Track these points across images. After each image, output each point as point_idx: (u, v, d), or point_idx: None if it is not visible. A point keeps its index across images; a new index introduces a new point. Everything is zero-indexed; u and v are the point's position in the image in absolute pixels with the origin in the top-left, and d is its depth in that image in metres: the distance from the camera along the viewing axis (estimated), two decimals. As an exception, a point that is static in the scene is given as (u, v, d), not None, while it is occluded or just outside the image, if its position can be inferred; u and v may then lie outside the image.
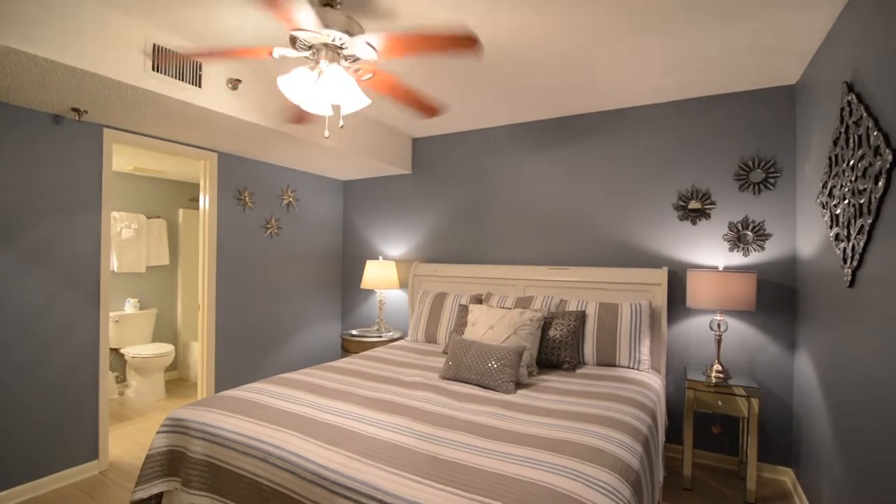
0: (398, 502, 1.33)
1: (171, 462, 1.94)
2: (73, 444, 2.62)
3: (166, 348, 4.16)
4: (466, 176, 3.86)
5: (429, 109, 2.09)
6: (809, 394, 2.35)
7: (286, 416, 1.87)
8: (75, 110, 2.44)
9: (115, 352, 4.26)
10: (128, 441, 3.18)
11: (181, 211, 4.79)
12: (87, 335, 2.68)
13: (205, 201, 3.37)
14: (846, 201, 1.78)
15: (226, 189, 3.48)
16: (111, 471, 2.74)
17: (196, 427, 1.89)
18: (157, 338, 4.65)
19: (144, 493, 1.92)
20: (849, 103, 1.75)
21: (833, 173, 1.95)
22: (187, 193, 4.92)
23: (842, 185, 1.83)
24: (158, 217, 4.63)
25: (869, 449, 1.56)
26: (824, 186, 2.07)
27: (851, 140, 1.73)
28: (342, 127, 2.33)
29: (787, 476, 2.73)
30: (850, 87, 1.77)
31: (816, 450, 2.20)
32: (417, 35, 1.58)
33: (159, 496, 2.01)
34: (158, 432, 1.99)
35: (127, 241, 4.28)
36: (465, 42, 1.62)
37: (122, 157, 3.75)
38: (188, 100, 2.31)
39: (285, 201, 3.96)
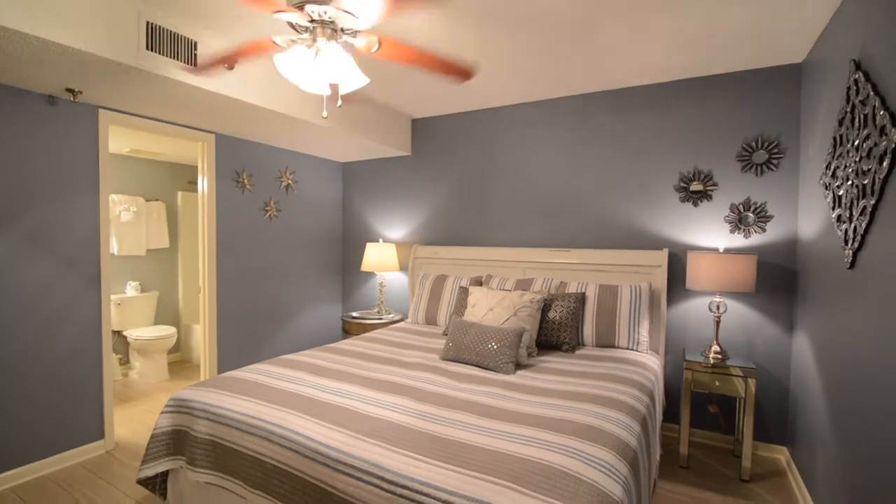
0: (399, 479, 1.35)
1: (175, 441, 1.97)
2: (78, 424, 2.66)
3: (168, 331, 4.19)
4: (466, 157, 3.82)
5: (460, 72, 1.97)
6: (806, 374, 2.38)
7: (288, 397, 1.90)
8: (70, 91, 2.40)
9: (118, 334, 4.30)
10: (133, 421, 3.23)
11: (180, 194, 4.77)
12: (89, 317, 2.70)
13: (203, 184, 3.35)
14: (849, 182, 1.76)
15: (224, 171, 3.46)
16: (117, 450, 2.79)
17: (199, 407, 1.92)
18: (158, 320, 4.68)
19: (150, 471, 1.96)
20: (855, 82, 1.72)
21: (837, 154, 1.93)
22: (186, 176, 4.88)
23: (845, 166, 1.81)
24: (157, 200, 4.60)
25: (863, 427, 1.58)
26: (828, 167, 2.05)
27: (857, 120, 1.70)
28: (340, 107, 2.29)
29: (781, 454, 2.78)
30: (858, 66, 1.74)
31: (811, 429, 2.24)
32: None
33: (165, 474, 2.05)
34: (163, 413, 2.02)
35: (126, 223, 4.26)
36: (461, 72, 1.59)
37: (119, 139, 3.71)
38: (183, 80, 2.28)
39: (284, 183, 3.94)
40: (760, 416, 2.83)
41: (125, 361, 4.36)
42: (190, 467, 1.86)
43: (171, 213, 4.78)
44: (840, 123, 1.90)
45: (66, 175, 2.58)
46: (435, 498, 1.28)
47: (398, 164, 4.20)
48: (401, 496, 1.32)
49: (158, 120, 2.97)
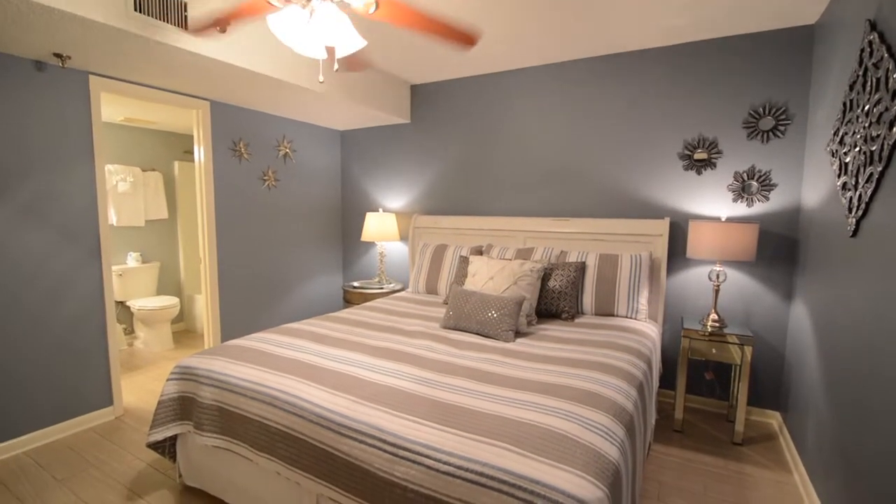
0: (401, 442, 1.39)
1: (182, 407, 2.01)
2: (87, 391, 2.72)
3: (171, 301, 4.22)
4: (466, 125, 3.75)
5: (462, 38, 1.86)
6: (802, 341, 2.41)
7: (292, 364, 1.93)
8: (58, 56, 2.33)
9: (121, 304, 4.33)
10: (140, 389, 3.30)
11: (177, 163, 4.71)
12: (92, 288, 2.71)
13: (200, 153, 3.30)
14: (857, 149, 1.73)
15: (220, 140, 3.40)
16: (126, 416, 2.86)
17: (204, 374, 1.95)
18: (161, 291, 4.71)
19: (159, 435, 2.01)
20: (870, 43, 1.66)
21: (846, 119, 1.88)
22: (182, 145, 4.81)
23: (854, 132, 1.77)
24: (154, 170, 4.55)
25: (855, 392, 1.61)
26: (836, 134, 2.01)
27: (869, 83, 1.65)
28: (337, 71, 2.22)
29: (773, 419, 2.85)
30: (873, 26, 1.68)
31: (804, 394, 2.28)
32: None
33: (174, 438, 2.11)
34: (168, 380, 2.06)
35: (124, 194, 4.23)
36: (464, 38, 1.51)
37: (112, 107, 3.63)
38: (173, 43, 2.20)
39: (282, 152, 3.88)
40: (755, 383, 2.89)
41: (130, 331, 4.42)
42: (197, 432, 1.91)
43: (169, 184, 4.73)
44: (851, 88, 1.85)
45: (61, 144, 2.53)
46: (435, 459, 1.31)
47: (397, 132, 4.13)
48: (402, 458, 1.36)
49: (151, 87, 2.90)
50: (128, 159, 4.36)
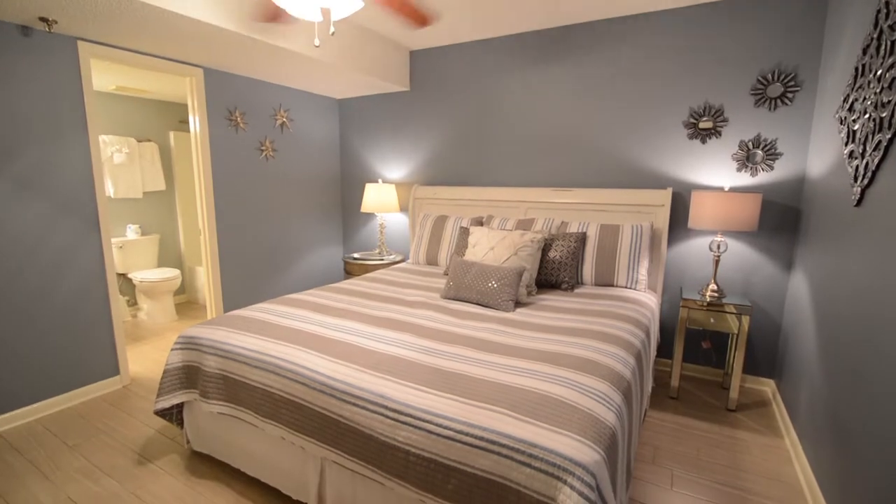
0: (402, 408, 1.42)
1: (187, 376, 2.05)
2: (93, 361, 2.76)
3: (173, 272, 4.24)
4: (466, 93, 3.66)
5: (417, 17, 1.86)
6: (800, 310, 2.43)
7: (294, 333, 1.95)
8: (43, 20, 2.25)
9: (123, 277, 4.35)
10: (146, 359, 3.36)
11: (172, 134, 4.63)
12: (92, 260, 2.71)
13: (195, 123, 3.24)
14: (867, 115, 1.69)
15: (215, 109, 3.33)
16: (133, 385, 2.92)
17: (208, 344, 1.98)
18: (162, 263, 4.72)
19: (166, 402, 2.06)
20: (887, 4, 1.60)
21: (857, 85, 1.83)
22: (176, 115, 4.71)
23: (864, 98, 1.73)
24: (149, 140, 4.48)
25: (851, 359, 1.63)
26: (846, 100, 1.96)
27: (883, 47, 1.60)
28: (333, 34, 2.15)
29: (768, 386, 2.91)
30: (892, -15, 1.61)
31: (799, 362, 2.32)
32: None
33: (181, 405, 2.16)
34: (173, 349, 2.09)
35: (120, 166, 4.18)
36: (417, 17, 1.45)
37: (103, 75, 3.54)
38: (156, 3, 2.11)
39: (279, 122, 3.81)
40: (751, 351, 2.93)
41: (133, 303, 4.46)
42: (203, 399, 1.95)
43: (165, 155, 4.66)
44: (864, 52, 1.79)
45: (52, 113, 2.48)
46: (436, 424, 1.34)
47: (396, 100, 4.04)
48: (404, 423, 1.40)
49: (141, 53, 2.81)
50: (122, 130, 4.28)
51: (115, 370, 2.87)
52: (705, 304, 2.64)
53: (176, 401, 2.06)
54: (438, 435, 1.33)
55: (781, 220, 2.74)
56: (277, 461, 1.81)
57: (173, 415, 2.16)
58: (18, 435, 2.34)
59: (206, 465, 2.11)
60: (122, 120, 4.27)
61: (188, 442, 2.16)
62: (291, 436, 1.68)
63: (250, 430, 1.89)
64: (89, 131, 2.63)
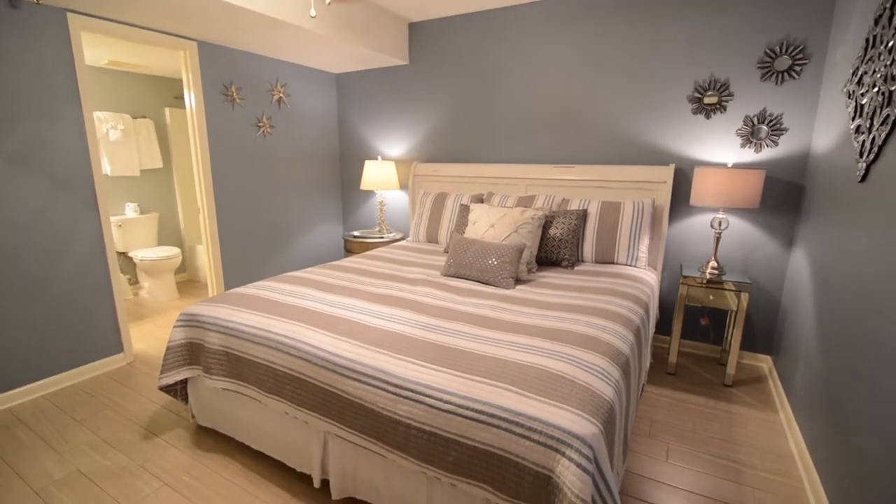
0: (403, 383, 1.44)
1: (190, 352, 2.07)
2: (97, 339, 2.78)
3: (173, 251, 4.24)
4: (466, 66, 3.58)
5: None
6: (800, 287, 2.43)
7: (295, 311, 1.96)
8: (30, -10, 2.18)
9: (123, 255, 4.36)
10: (149, 337, 3.39)
11: (167, 110, 4.55)
12: (92, 239, 2.70)
13: (190, 99, 3.18)
14: (875, 89, 1.65)
15: (211, 84, 3.26)
16: (137, 362, 2.95)
17: (210, 321, 1.99)
18: (162, 241, 4.72)
19: (170, 379, 2.08)
20: (902, -29, 1.54)
21: (867, 58, 1.79)
22: (171, 90, 4.63)
23: (874, 71, 1.69)
24: (144, 117, 4.41)
25: (849, 334, 1.64)
26: (854, 73, 1.92)
27: (896, 16, 1.55)
28: (329, 4, 2.09)
29: (764, 363, 2.94)
30: (908, -50, 1.55)
31: (796, 338, 2.34)
32: None
33: (185, 381, 2.19)
34: (175, 326, 2.10)
35: (116, 143, 4.13)
36: None
37: (95, 49, 3.46)
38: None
39: (276, 97, 3.74)
40: (749, 328, 2.95)
41: (134, 281, 4.47)
42: (206, 375, 1.98)
43: (161, 132, 4.60)
44: (876, 22, 1.74)
45: (44, 88, 2.43)
46: (437, 398, 1.36)
47: (395, 75, 3.96)
48: (405, 398, 1.41)
49: (133, 25, 2.74)
50: (117, 106, 4.21)
51: (118, 347, 2.90)
52: (705, 281, 2.65)
53: (180, 377, 2.08)
54: (439, 409, 1.35)
55: (784, 197, 2.72)
56: (281, 435, 1.85)
57: (178, 390, 2.19)
58: (26, 410, 2.38)
59: (211, 438, 2.15)
60: (116, 96, 4.20)
61: (193, 417, 2.20)
62: (294, 410, 1.70)
63: (254, 405, 1.92)
64: (83, 107, 2.59)
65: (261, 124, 3.65)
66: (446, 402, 1.35)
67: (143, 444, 2.11)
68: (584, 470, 1.13)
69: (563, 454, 1.17)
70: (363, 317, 1.89)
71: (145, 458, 2.01)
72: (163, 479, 1.88)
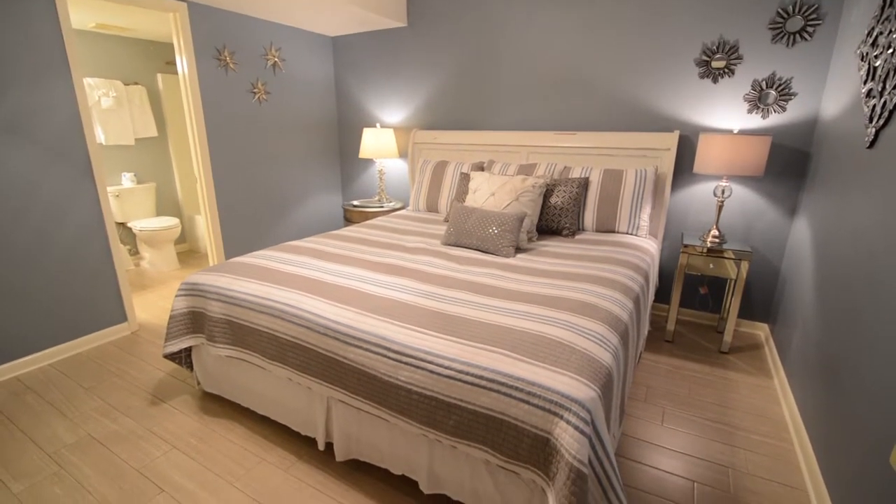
0: (404, 349, 1.46)
1: (193, 321, 2.09)
2: (101, 308, 2.81)
3: (172, 221, 4.22)
4: (466, 29, 3.46)
5: None
6: (800, 255, 2.43)
7: (297, 279, 1.96)
8: (9, -54, 2.08)
9: (123, 226, 4.34)
10: (152, 306, 3.42)
11: (160, 76, 4.43)
12: (90, 209, 2.68)
13: (182, 64, 3.09)
14: (890, 50, 1.60)
15: (203, 48, 3.16)
16: (142, 331, 2.99)
17: (211, 290, 2.00)
18: (160, 211, 4.69)
19: (174, 347, 2.11)
20: (927, -79, 1.46)
21: (883, 17, 1.72)
22: (163, 55, 4.49)
23: (890, 32, 1.63)
24: (136, 83, 4.29)
25: (847, 299, 1.65)
26: (869, 33, 1.85)
27: (917, -29, 1.48)
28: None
29: (761, 330, 2.97)
30: None
31: (794, 305, 2.35)
32: None
33: (189, 349, 2.22)
34: (177, 296, 2.11)
35: (108, 110, 4.04)
36: None
37: (81, 12, 3.33)
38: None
39: (270, 62, 3.63)
40: (748, 296, 2.97)
41: (135, 252, 4.47)
42: (210, 343, 2.00)
43: (154, 98, 4.49)
44: (895, -23, 1.66)
45: (30, 52, 2.35)
46: (437, 364, 1.38)
47: (393, 38, 3.83)
48: (406, 363, 1.44)
49: (120, -15, 2.63)
50: (107, 72, 4.10)
51: (122, 317, 2.93)
52: (705, 249, 2.64)
53: (183, 345, 2.11)
54: (440, 374, 1.37)
55: (789, 164, 2.67)
56: (285, 400, 1.89)
57: (182, 358, 2.22)
58: (35, 378, 2.43)
59: (217, 404, 2.20)
60: (106, 61, 4.08)
61: (198, 383, 2.24)
62: (298, 377, 1.73)
63: (258, 371, 1.95)
64: (72, 73, 2.51)
65: (256, 90, 3.56)
66: (447, 367, 1.37)
67: (151, 409, 2.16)
68: (582, 432, 1.16)
69: (562, 417, 1.19)
70: (364, 285, 1.90)
71: (153, 422, 2.06)
72: (172, 442, 1.94)
